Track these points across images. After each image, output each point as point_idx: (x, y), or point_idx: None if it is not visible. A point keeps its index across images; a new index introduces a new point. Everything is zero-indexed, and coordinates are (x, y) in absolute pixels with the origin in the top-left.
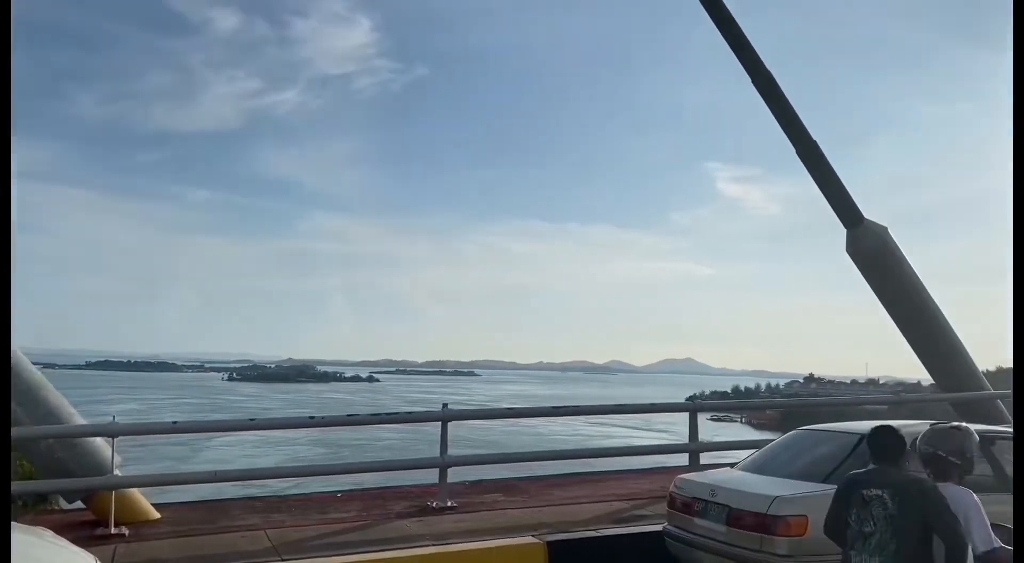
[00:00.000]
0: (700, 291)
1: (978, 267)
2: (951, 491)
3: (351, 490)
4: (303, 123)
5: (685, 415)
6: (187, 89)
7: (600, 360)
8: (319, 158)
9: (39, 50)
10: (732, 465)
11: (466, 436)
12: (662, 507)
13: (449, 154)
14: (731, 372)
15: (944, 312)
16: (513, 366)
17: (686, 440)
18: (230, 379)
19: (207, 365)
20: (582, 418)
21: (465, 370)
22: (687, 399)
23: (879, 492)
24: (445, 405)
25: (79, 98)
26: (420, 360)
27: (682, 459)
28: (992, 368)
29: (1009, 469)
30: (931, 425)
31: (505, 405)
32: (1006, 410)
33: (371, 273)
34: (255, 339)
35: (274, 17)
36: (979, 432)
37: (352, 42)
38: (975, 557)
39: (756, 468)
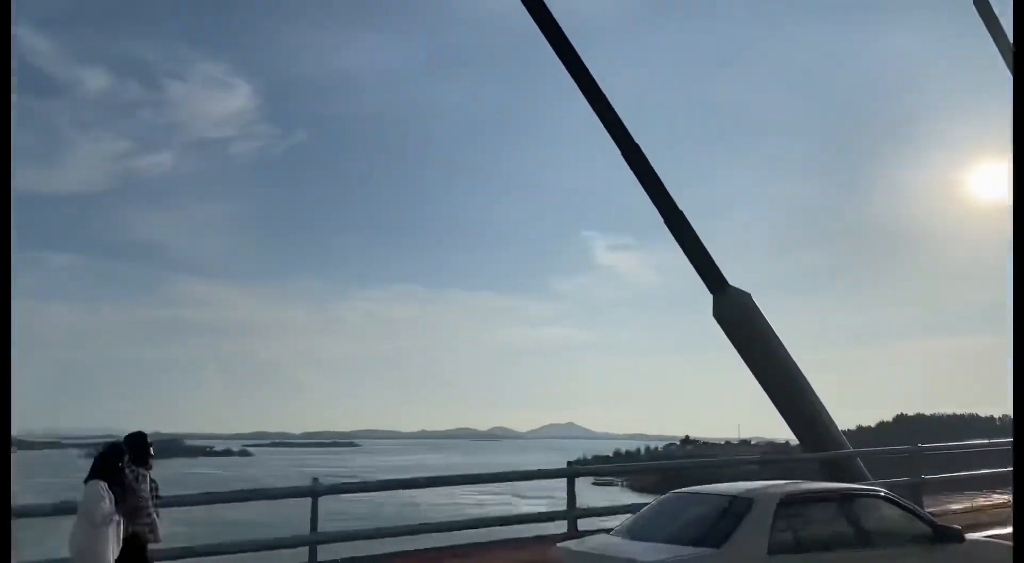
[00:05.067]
0: (581, 356)
1: (839, 331)
2: None
3: None
4: (176, 187)
5: (565, 481)
6: (51, 150)
7: (483, 427)
8: (191, 222)
9: None
10: (608, 531)
11: (341, 510)
12: None
13: (327, 219)
14: (612, 436)
15: (807, 375)
16: (395, 435)
17: (565, 507)
18: (89, 456)
19: (65, 441)
20: (461, 487)
21: (345, 441)
22: (567, 464)
23: None
24: (315, 479)
25: None
26: (297, 431)
27: (561, 526)
28: (853, 427)
29: (868, 524)
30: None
31: (384, 476)
32: (864, 468)
33: (244, 341)
34: (118, 412)
35: (148, 79)
36: (838, 490)
37: (231, 106)
38: None
39: (631, 533)
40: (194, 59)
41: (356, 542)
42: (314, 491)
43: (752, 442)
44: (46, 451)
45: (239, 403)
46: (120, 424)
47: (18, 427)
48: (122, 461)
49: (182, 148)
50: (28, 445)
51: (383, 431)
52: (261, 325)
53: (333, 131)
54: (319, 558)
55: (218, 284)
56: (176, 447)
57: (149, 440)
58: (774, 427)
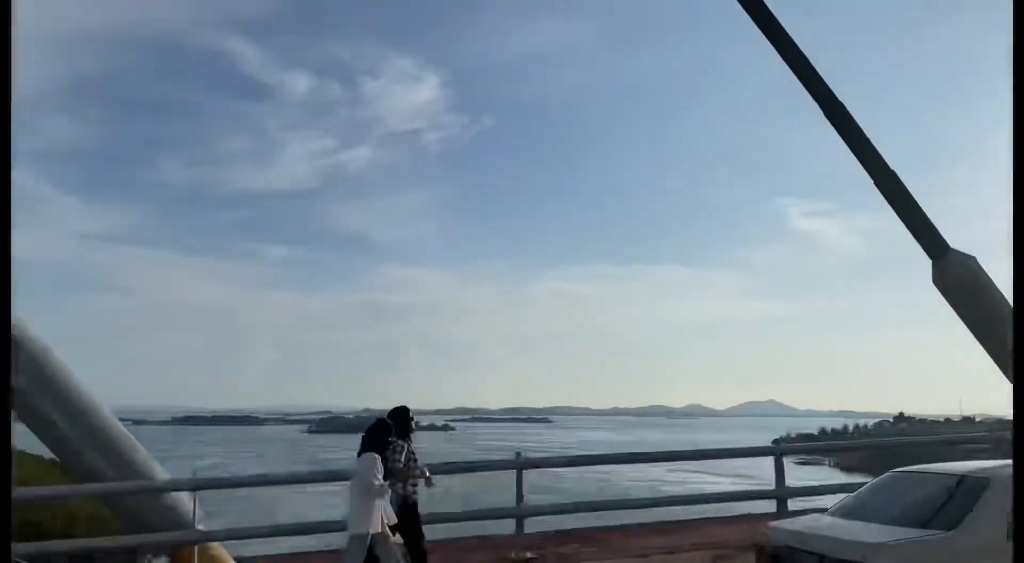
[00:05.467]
0: (779, 330)
1: None
2: None
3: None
4: (375, 179)
5: (769, 460)
6: (264, 150)
7: (678, 404)
8: (390, 211)
9: (126, 121)
10: (823, 511)
11: (539, 484)
12: (749, 557)
13: (516, 201)
14: (816, 413)
15: None
16: (587, 412)
17: (771, 485)
18: (311, 431)
19: (288, 418)
20: (660, 465)
21: (539, 417)
22: (772, 442)
23: None
24: (519, 453)
25: (163, 164)
26: (495, 407)
27: (767, 506)
28: None
29: None
30: None
31: (580, 452)
32: None
33: (444, 321)
34: (334, 390)
35: (345, 78)
36: None
37: (421, 99)
38: None
39: (849, 513)
40: (385, 56)
41: (561, 516)
42: (519, 465)
43: (976, 419)
44: (272, 426)
45: (440, 380)
46: (336, 401)
47: (250, 404)
48: (390, 434)
49: (378, 142)
50: (256, 420)
51: (576, 408)
52: (457, 306)
53: (518, 115)
54: (525, 530)
55: (417, 269)
56: None
57: (412, 415)
58: (1002, 402)
